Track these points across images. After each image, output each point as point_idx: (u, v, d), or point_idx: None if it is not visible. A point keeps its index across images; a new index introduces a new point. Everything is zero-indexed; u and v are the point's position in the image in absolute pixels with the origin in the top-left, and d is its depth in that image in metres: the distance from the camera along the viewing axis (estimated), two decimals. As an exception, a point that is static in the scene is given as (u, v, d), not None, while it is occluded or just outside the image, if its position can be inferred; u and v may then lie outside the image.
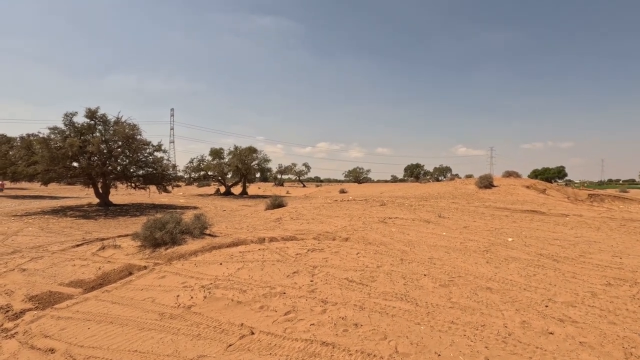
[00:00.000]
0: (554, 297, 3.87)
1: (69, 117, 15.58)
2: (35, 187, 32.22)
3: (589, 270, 4.91)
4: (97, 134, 16.23)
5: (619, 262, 5.30)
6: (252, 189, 41.28)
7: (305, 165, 67.34)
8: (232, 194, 30.28)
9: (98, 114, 16.15)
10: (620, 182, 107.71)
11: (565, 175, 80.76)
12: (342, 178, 79.85)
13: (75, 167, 16.08)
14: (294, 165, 66.12)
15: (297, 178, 67.79)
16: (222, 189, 31.38)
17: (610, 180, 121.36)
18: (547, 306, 3.61)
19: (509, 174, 23.71)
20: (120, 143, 16.70)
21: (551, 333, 3.03)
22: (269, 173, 54.57)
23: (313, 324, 3.26)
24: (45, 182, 16.32)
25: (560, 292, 4.03)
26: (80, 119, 15.96)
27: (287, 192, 36.41)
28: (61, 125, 15.60)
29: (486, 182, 19.72)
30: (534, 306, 3.61)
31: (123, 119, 16.76)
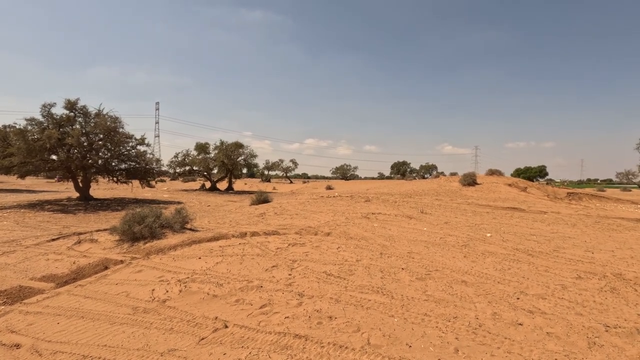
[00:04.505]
0: (526, 289, 3.97)
1: (47, 108, 15.07)
2: (12, 180, 31.18)
3: (562, 264, 5.05)
4: (77, 126, 15.74)
5: (590, 257, 5.47)
6: (239, 184, 40.94)
7: (293, 161, 67.07)
8: (218, 189, 29.94)
9: (78, 105, 15.68)
10: (598, 181, 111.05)
11: (547, 174, 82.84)
12: (330, 175, 79.91)
13: (53, 159, 15.59)
14: (281, 161, 65.72)
15: (284, 174, 67.48)
16: (208, 184, 31.00)
17: (589, 180, 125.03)
18: (518, 298, 3.69)
19: (492, 172, 24.20)
20: (101, 136, 16.25)
21: (520, 324, 3.11)
22: (255, 169, 54.24)
23: (288, 317, 3.25)
24: (22, 175, 15.79)
25: (532, 285, 4.13)
26: (59, 111, 15.50)
27: (274, 188, 36.24)
28: (39, 117, 15.10)
29: (470, 180, 20.08)
30: (506, 298, 3.69)
31: (105, 112, 16.32)
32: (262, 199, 14.16)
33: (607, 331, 2.99)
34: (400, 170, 79.76)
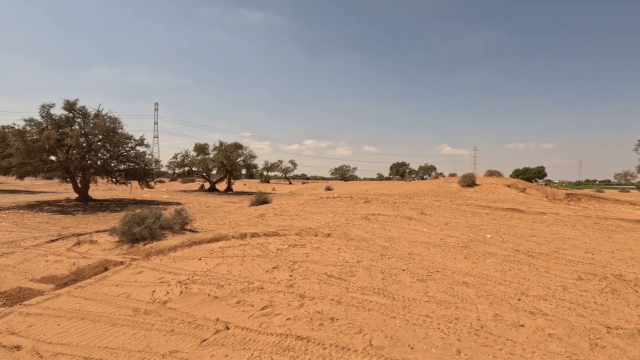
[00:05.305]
0: (527, 291, 3.97)
1: (46, 109, 15.03)
2: (10, 181, 31.09)
3: (562, 265, 5.05)
4: (76, 127, 15.71)
5: (590, 258, 5.48)
6: (238, 185, 40.89)
7: (292, 162, 67.00)
8: (217, 190, 29.91)
9: (77, 106, 15.65)
10: (597, 182, 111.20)
11: (545, 175, 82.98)
12: (329, 176, 79.85)
13: (52, 160, 15.55)
14: (281, 162, 65.66)
15: (284, 175, 67.43)
16: (207, 185, 30.95)
17: (587, 181, 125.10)
18: (519, 300, 3.70)
19: (491, 173, 24.23)
20: (100, 137, 16.22)
21: (522, 325, 3.11)
22: (255, 170, 54.21)
23: (289, 319, 3.24)
24: (21, 176, 15.74)
25: (533, 286, 4.13)
26: (58, 111, 15.46)
27: (273, 189, 36.21)
28: (38, 117, 15.07)
29: (469, 181, 20.11)
30: (507, 300, 3.69)
31: (104, 112, 16.29)
32: (262, 199, 14.14)
33: (608, 332, 2.99)
34: (400, 171, 79.86)
